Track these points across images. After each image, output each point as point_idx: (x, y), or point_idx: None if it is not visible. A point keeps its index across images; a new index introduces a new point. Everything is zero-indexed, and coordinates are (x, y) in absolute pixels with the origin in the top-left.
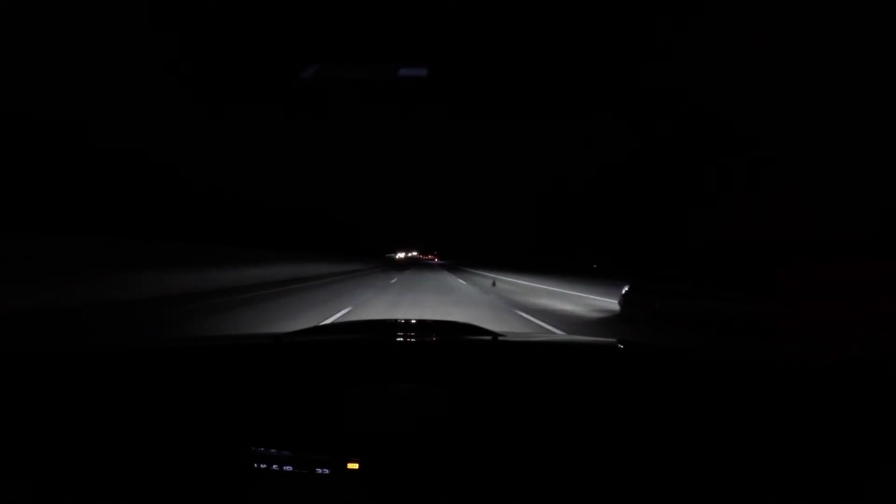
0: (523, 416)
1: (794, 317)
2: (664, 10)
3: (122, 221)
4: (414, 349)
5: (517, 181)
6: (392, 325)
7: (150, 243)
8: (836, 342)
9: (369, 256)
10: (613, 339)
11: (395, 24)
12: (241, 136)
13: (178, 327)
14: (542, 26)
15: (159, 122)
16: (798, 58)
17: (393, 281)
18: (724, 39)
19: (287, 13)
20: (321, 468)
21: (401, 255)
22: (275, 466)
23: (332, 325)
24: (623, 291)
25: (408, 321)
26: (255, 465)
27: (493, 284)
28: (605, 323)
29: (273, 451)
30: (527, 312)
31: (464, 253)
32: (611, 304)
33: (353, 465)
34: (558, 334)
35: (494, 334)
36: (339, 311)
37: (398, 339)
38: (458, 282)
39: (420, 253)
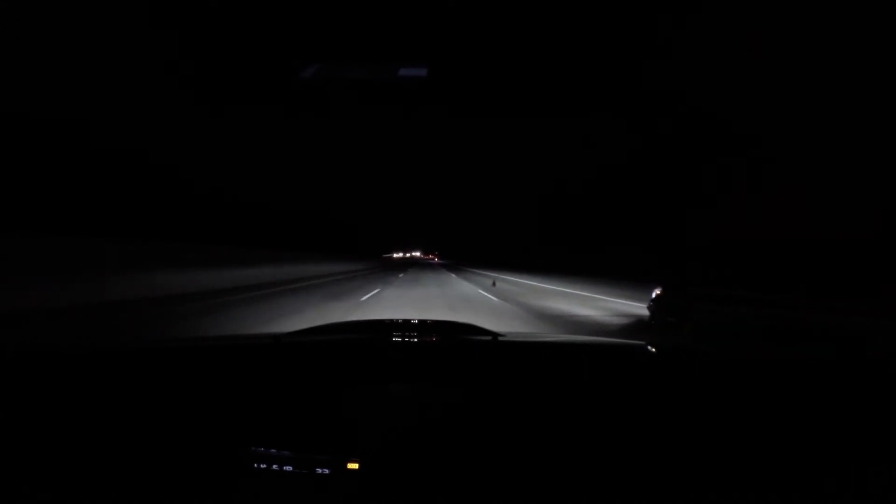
0: (523, 417)
1: None
2: (664, 10)
3: (122, 221)
4: (414, 349)
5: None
6: (392, 325)
7: (150, 243)
8: None
9: (369, 257)
10: (619, 340)
11: (395, 24)
12: (241, 136)
13: (176, 326)
14: (542, 26)
15: (159, 122)
16: (798, 58)
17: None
18: (724, 39)
19: (287, 13)
20: (321, 468)
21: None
22: (275, 466)
23: (332, 325)
24: (654, 295)
25: (408, 321)
26: (255, 465)
27: (493, 284)
28: (637, 331)
29: (273, 451)
30: (540, 320)
31: (464, 253)
32: (630, 307)
33: (353, 465)
34: (559, 335)
35: (495, 334)
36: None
37: (398, 339)
38: (462, 283)
39: (422, 253)
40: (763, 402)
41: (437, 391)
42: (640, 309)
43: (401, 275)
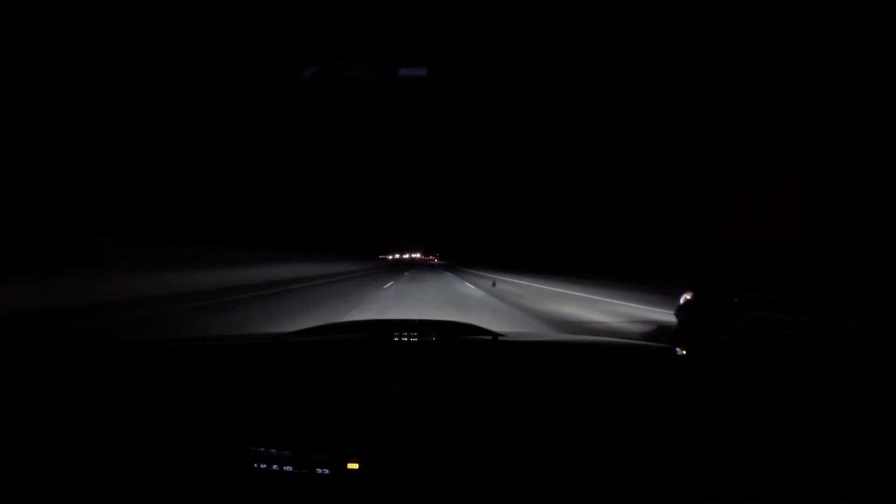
0: (523, 417)
1: None
2: (664, 10)
3: (122, 222)
4: (414, 349)
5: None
6: (392, 325)
7: (150, 243)
8: None
9: (368, 257)
10: (621, 340)
11: (395, 24)
12: (241, 136)
13: (173, 327)
14: (542, 26)
15: (159, 122)
16: (798, 58)
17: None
18: (724, 39)
19: (287, 13)
20: (321, 468)
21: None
22: (275, 466)
23: (332, 325)
24: (682, 301)
25: (408, 321)
26: (256, 465)
27: (493, 285)
28: (665, 340)
29: (273, 451)
30: (546, 325)
31: (464, 253)
32: (646, 312)
33: (353, 465)
34: (560, 334)
35: (495, 334)
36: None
37: (398, 339)
38: (465, 285)
39: (422, 254)
40: (770, 405)
41: (438, 391)
42: (656, 314)
43: (388, 284)
